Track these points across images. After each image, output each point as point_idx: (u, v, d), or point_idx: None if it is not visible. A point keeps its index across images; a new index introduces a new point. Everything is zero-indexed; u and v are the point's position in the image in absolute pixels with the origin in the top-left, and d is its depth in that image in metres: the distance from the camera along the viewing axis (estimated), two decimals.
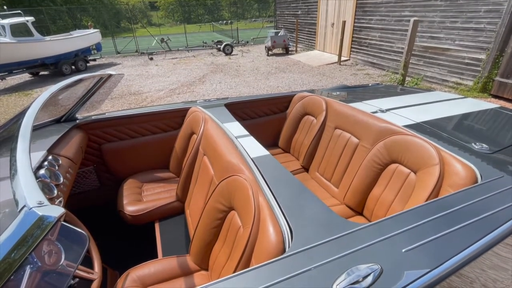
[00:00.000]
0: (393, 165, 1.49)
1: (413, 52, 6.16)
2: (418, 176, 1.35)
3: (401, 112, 1.82)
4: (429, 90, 2.49)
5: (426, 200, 1.22)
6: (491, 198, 1.00)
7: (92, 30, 10.80)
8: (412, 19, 5.47)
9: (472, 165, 1.20)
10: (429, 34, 6.39)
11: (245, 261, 0.95)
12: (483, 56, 5.37)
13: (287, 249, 0.83)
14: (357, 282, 0.71)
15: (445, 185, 1.21)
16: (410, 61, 6.11)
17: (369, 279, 0.72)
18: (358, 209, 1.66)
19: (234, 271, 0.96)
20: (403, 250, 0.80)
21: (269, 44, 10.99)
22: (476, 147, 1.37)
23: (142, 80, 8.06)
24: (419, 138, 1.40)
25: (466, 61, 5.71)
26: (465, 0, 5.50)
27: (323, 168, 2.03)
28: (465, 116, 1.81)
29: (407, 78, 6.44)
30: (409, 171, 1.41)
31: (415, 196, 1.31)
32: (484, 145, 1.38)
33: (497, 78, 5.20)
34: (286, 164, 2.31)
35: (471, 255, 0.80)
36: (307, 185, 2.04)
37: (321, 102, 2.14)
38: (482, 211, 0.94)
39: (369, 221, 1.61)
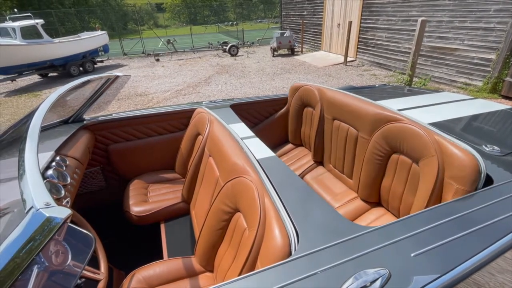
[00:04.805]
0: (395, 156, 1.48)
1: (420, 52, 6.09)
2: (420, 167, 1.32)
3: (408, 114, 1.80)
4: (437, 90, 2.45)
5: (432, 193, 1.20)
6: (503, 202, 0.98)
7: (99, 32, 10.95)
8: (419, 19, 5.40)
9: (472, 151, 1.15)
10: (437, 34, 6.30)
11: (250, 264, 0.95)
12: (493, 56, 5.27)
13: (293, 252, 0.82)
14: (364, 287, 0.70)
15: (447, 178, 1.18)
16: (418, 62, 6.03)
17: (377, 284, 0.70)
18: (375, 200, 1.65)
19: (239, 274, 0.96)
20: (412, 255, 0.78)
21: (274, 45, 10.97)
22: (487, 149, 1.34)
23: (149, 81, 8.13)
24: (413, 125, 1.36)
25: (475, 61, 5.62)
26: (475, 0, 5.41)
27: (333, 160, 2.02)
28: (475, 117, 1.77)
29: (414, 79, 6.36)
30: (410, 161, 1.39)
31: (421, 188, 1.29)
32: (495, 147, 1.35)
33: (508, 79, 5.09)
34: (301, 158, 2.30)
35: (483, 261, 0.78)
36: (324, 178, 2.04)
37: (314, 92, 2.12)
38: (494, 215, 0.92)
39: (388, 210, 1.60)
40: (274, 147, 2.56)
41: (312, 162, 2.21)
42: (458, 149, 1.18)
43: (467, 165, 1.12)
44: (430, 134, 1.29)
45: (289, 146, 2.53)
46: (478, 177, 1.10)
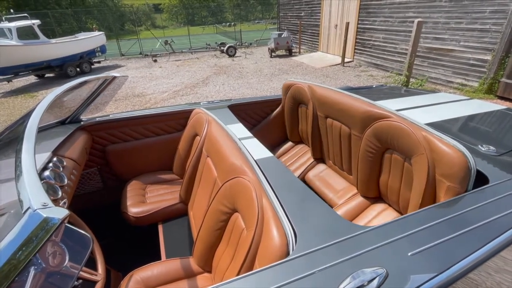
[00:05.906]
0: (388, 153, 1.49)
1: (417, 53, 6.13)
2: (412, 164, 1.33)
3: (405, 114, 1.81)
4: (433, 91, 2.47)
5: (425, 191, 1.20)
6: (499, 201, 0.99)
7: (96, 33, 10.91)
8: (416, 20, 5.44)
9: (461, 148, 1.15)
10: (433, 35, 6.35)
11: (248, 264, 0.95)
12: (488, 57, 5.32)
13: (291, 252, 0.82)
14: (362, 286, 0.70)
15: (438, 175, 1.19)
16: (414, 62, 6.07)
17: (374, 283, 0.71)
18: (375, 195, 1.66)
19: (238, 274, 0.96)
20: (409, 254, 0.79)
21: (272, 45, 10.99)
22: (483, 149, 1.35)
23: (146, 82, 8.11)
24: (401, 122, 1.37)
25: (471, 62, 5.66)
26: (470, 1, 5.46)
27: (332, 157, 2.03)
28: (471, 117, 1.78)
29: (411, 80, 6.40)
30: (403, 159, 1.40)
31: (415, 185, 1.30)
32: (491, 147, 1.36)
33: (503, 79, 5.14)
34: (302, 156, 2.31)
35: (479, 259, 0.79)
36: (326, 175, 2.06)
37: (305, 90, 2.12)
38: (490, 214, 0.93)
39: (389, 205, 1.61)
40: (274, 146, 2.56)
41: (313, 160, 2.22)
42: (447, 146, 1.18)
43: (456, 163, 1.12)
44: (417, 131, 1.29)
45: (289, 144, 2.54)
46: (468, 174, 1.09)
